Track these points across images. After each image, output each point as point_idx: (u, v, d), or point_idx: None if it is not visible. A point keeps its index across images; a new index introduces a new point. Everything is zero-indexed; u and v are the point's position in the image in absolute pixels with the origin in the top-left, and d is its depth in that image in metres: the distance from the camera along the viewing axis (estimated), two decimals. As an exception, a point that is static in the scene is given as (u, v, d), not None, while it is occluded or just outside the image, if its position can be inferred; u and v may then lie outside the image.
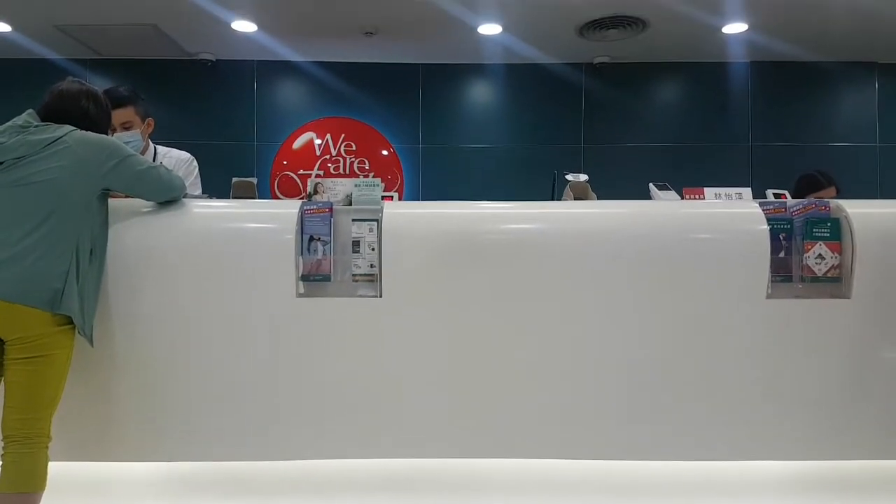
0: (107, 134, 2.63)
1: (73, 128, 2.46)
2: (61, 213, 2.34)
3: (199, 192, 3.51)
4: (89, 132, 2.49)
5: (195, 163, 3.67)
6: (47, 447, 2.32)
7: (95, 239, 2.45)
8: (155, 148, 3.59)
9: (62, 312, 2.30)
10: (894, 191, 6.57)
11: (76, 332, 2.39)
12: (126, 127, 3.33)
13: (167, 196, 2.64)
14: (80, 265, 2.36)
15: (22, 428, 2.28)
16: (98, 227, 2.47)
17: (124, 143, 3.34)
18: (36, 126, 2.43)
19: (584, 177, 3.21)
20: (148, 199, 2.63)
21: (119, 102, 3.26)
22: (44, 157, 2.36)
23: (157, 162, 3.43)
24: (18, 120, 2.45)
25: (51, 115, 2.49)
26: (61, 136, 2.40)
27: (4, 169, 2.36)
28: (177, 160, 3.59)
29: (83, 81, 2.63)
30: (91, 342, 2.42)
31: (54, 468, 2.32)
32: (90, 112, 2.55)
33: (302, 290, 2.63)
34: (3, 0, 5.59)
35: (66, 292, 2.31)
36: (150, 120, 3.50)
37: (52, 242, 2.31)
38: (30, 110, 2.49)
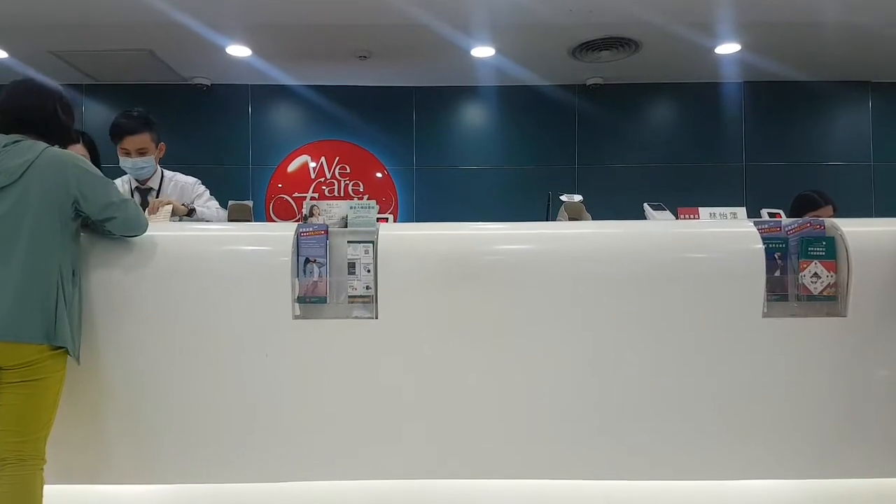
0: (70, 127, 2.53)
1: (45, 145, 2.37)
2: (40, 242, 2.29)
3: (215, 204, 3.65)
4: (58, 150, 2.40)
5: (202, 184, 3.77)
6: (42, 469, 2.31)
7: (74, 261, 2.42)
8: (162, 171, 3.70)
9: (58, 344, 2.30)
10: (889, 209, 6.60)
11: (68, 354, 2.37)
12: (141, 153, 3.48)
13: (134, 215, 2.52)
14: (66, 290, 2.34)
15: (17, 451, 2.26)
16: (76, 248, 2.44)
17: (139, 168, 3.53)
18: (4, 146, 2.34)
19: (578, 197, 3.21)
20: (114, 215, 2.46)
21: (136, 129, 3.43)
22: (18, 185, 2.29)
23: (166, 183, 3.64)
24: None
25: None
26: (33, 160, 2.31)
27: None
28: (184, 183, 3.71)
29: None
30: (77, 360, 2.39)
31: (44, 491, 2.30)
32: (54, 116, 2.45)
33: (298, 312, 2.62)
34: (-1, 26, 5.62)
35: (59, 322, 2.29)
36: (161, 145, 3.62)
37: (36, 273, 2.27)
38: None
